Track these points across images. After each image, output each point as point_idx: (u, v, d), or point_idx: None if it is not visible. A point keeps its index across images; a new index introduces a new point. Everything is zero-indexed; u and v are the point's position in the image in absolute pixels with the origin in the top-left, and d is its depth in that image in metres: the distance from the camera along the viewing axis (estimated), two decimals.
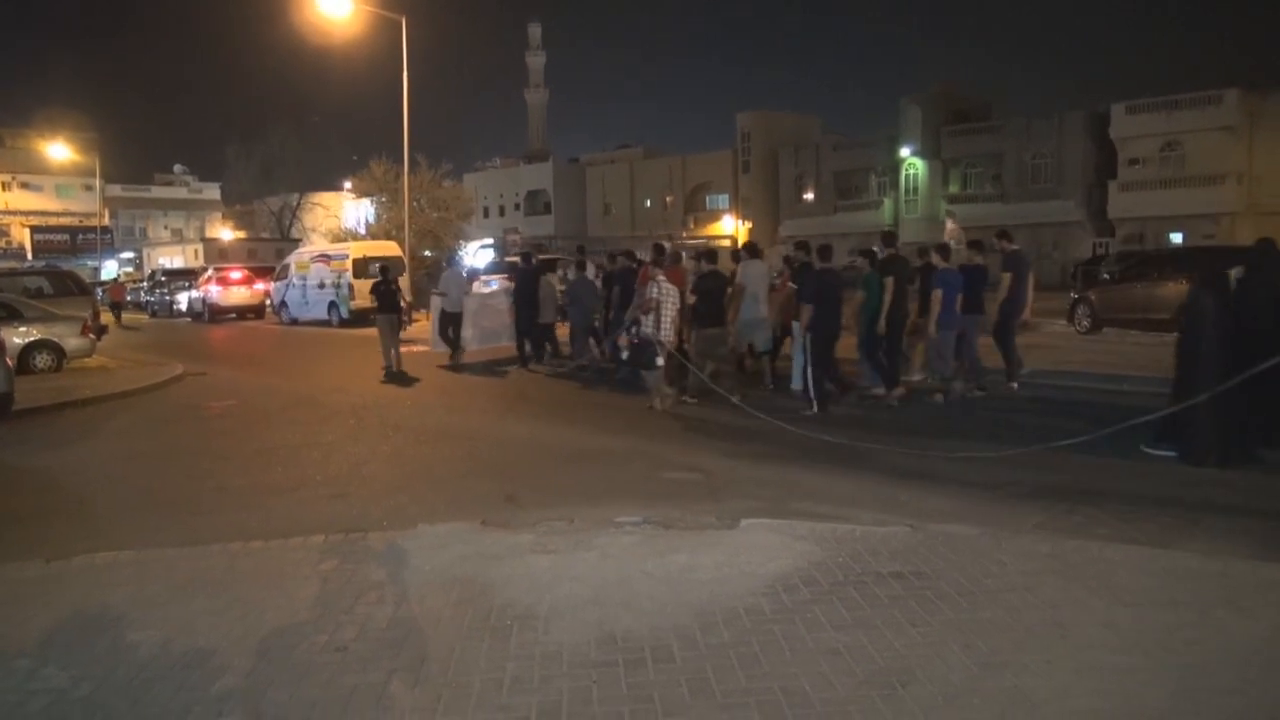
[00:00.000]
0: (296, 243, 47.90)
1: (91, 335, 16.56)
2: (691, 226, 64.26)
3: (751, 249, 12.56)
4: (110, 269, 59.93)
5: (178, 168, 79.63)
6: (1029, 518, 6.21)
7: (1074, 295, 19.28)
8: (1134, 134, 44.94)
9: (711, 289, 11.15)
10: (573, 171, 74.38)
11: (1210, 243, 34.60)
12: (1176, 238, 41.03)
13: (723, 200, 64.11)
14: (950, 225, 12.12)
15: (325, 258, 27.47)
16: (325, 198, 62.14)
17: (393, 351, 15.11)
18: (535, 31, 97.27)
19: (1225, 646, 4.02)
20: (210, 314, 31.13)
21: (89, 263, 56.13)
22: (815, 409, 10.15)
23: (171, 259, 47.60)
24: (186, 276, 36.46)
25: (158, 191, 75.77)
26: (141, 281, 44.03)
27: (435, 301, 16.29)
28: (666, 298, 10.72)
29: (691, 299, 11.27)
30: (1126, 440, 7.46)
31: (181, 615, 4.68)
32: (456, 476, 8.03)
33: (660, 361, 10.71)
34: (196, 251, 46.46)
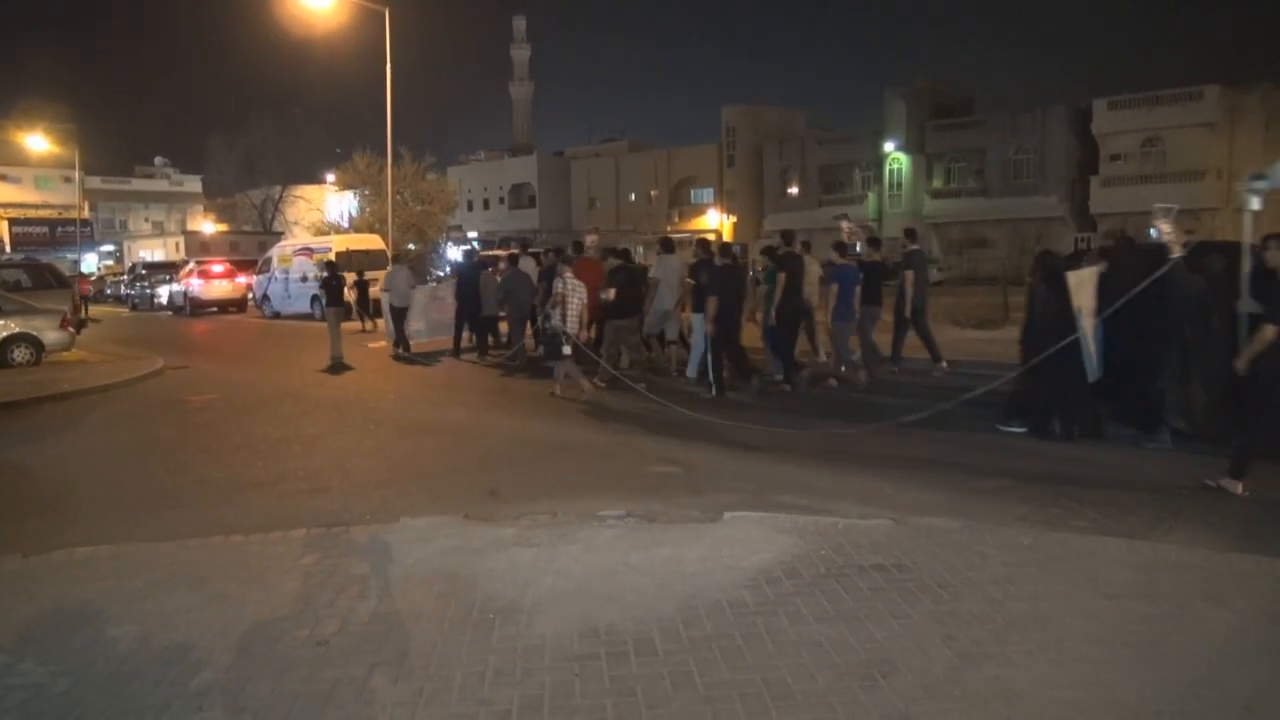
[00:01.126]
0: (279, 236, 47.60)
1: (70, 329, 16.40)
2: (676, 220, 64.23)
3: (666, 245, 13.37)
4: (90, 262, 59.40)
5: (158, 160, 79.00)
6: (1011, 510, 6.25)
7: None
8: (1116, 130, 45.27)
9: (623, 283, 12.03)
10: (558, 165, 74.21)
11: (1190, 238, 34.88)
12: (1156, 233, 41.30)
13: (708, 194, 64.14)
14: (846, 225, 12.87)
15: (308, 251, 27.31)
16: (308, 191, 61.78)
17: (338, 343, 15.82)
18: (520, 24, 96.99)
19: (1203, 637, 4.07)
20: (192, 308, 30.88)
21: (68, 256, 55.61)
22: (714, 392, 10.99)
23: (152, 252, 47.18)
24: (167, 270, 36.15)
25: (138, 184, 75.09)
26: (122, 275, 43.63)
27: (384, 298, 16.94)
28: (572, 293, 11.33)
29: (610, 293, 11.99)
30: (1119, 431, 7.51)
31: (161, 610, 4.64)
32: (439, 470, 8.01)
33: (567, 351, 11.34)
34: (178, 244, 46.06)
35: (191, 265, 33.20)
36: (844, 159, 57.06)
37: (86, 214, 62.27)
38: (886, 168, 53.74)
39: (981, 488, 6.87)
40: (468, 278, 15.95)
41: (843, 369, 12.00)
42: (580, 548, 5.41)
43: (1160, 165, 44.01)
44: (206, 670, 3.96)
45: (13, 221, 60.43)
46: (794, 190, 59.41)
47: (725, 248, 11.99)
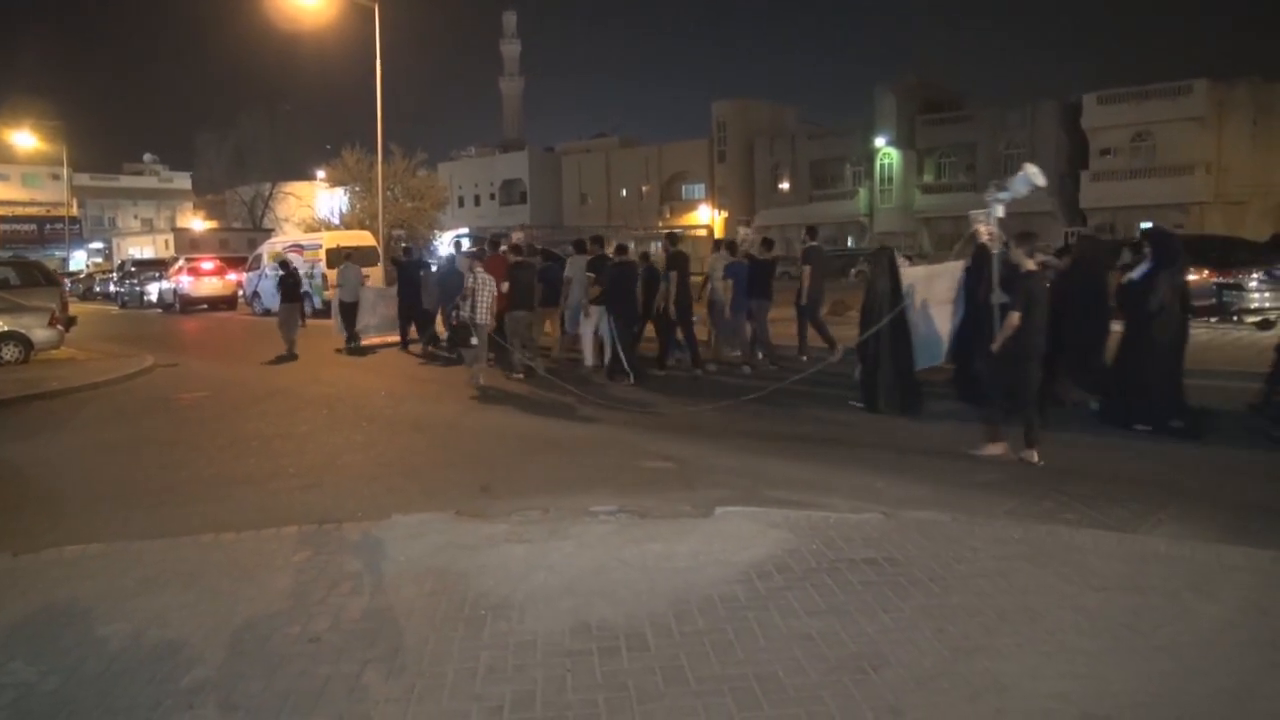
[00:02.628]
0: (269, 233, 47.41)
1: (59, 326, 16.32)
2: (668, 216, 64.22)
3: (579, 246, 14.09)
4: (79, 259, 59.09)
5: (147, 157, 78.64)
6: (1001, 504, 6.27)
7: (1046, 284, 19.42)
8: (1105, 124, 45.40)
9: (520, 278, 12.96)
10: (549, 161, 74.06)
11: (1180, 232, 35.03)
12: (1146, 227, 41.49)
13: (699, 190, 64.10)
14: (743, 231, 14.60)
15: (298, 248, 27.20)
16: (298, 187, 61.48)
17: (292, 337, 16.48)
18: (510, 19, 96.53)
19: (1191, 629, 4.09)
20: (182, 305, 30.74)
21: (57, 253, 55.33)
22: (633, 378, 12.00)
23: (142, 249, 47.05)
24: (157, 267, 35.98)
25: (127, 181, 74.74)
26: (111, 272, 43.41)
27: (335, 295, 17.94)
28: (483, 287, 12.24)
29: (504, 286, 12.88)
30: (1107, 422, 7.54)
31: (152, 608, 4.63)
32: (431, 466, 8.00)
33: (474, 341, 12.20)
34: (167, 241, 45.91)
35: (181, 262, 33.04)
36: (835, 154, 57.10)
37: (75, 211, 61.95)
38: (877, 163, 53.78)
39: (972, 481, 6.90)
40: (407, 274, 16.73)
41: (738, 354, 13.27)
42: (572, 543, 5.42)
43: (1150, 159, 44.17)
44: (198, 668, 3.96)
45: (0, 219, 60.03)
46: (785, 186, 59.42)
47: (621, 248, 13.60)
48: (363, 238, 27.76)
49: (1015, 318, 7.38)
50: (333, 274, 24.09)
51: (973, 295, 9.16)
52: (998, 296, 7.56)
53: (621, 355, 12.27)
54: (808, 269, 13.39)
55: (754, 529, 5.57)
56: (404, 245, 19.36)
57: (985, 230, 8.13)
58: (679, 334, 12.97)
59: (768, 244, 14.43)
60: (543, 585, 4.79)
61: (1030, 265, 7.64)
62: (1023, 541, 5.25)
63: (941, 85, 55.62)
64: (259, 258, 28.94)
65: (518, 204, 71.56)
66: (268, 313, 27.57)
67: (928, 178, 53.19)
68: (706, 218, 62.29)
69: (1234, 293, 14.23)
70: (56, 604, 4.75)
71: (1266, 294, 14.69)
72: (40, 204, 63.43)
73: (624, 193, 67.76)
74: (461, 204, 71.83)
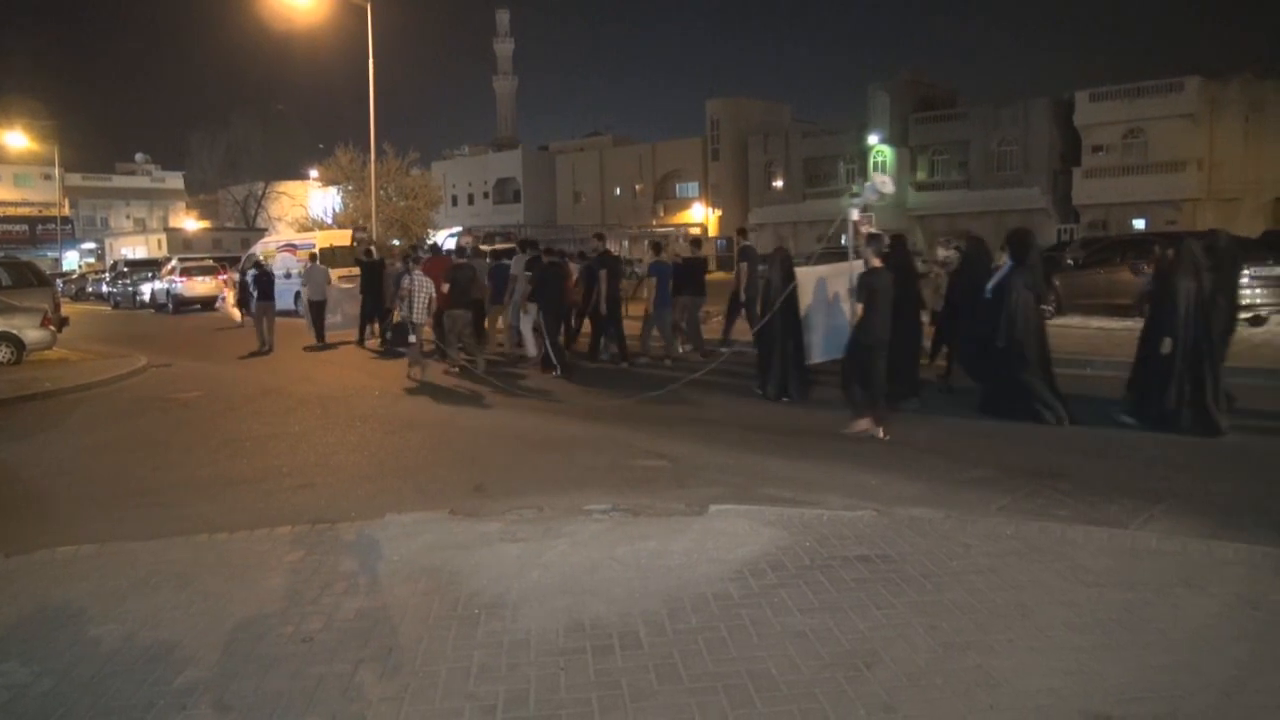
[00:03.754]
0: (262, 232, 47.31)
1: (52, 327, 16.27)
2: (662, 214, 64.21)
3: (522, 245, 15.26)
4: (71, 260, 58.90)
5: (139, 156, 78.34)
6: (993, 501, 6.29)
7: None
8: (1097, 121, 45.48)
9: (460, 279, 13.69)
10: (542, 159, 74.03)
11: (1172, 228, 35.12)
12: (1139, 224, 41.61)
13: (693, 188, 64.09)
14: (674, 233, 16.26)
15: (291, 247, 27.13)
16: (291, 187, 61.42)
17: (266, 333, 17.48)
18: (503, 18, 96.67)
19: (1182, 624, 4.11)
20: (175, 305, 30.67)
21: (49, 254, 55.12)
22: (560, 370, 12.89)
23: (134, 249, 46.86)
24: (150, 267, 35.87)
25: (119, 181, 74.46)
26: (103, 272, 43.28)
27: (303, 294, 19.25)
28: (419, 289, 12.97)
29: (445, 287, 13.64)
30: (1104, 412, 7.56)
31: (145, 609, 4.63)
32: (424, 466, 8.00)
33: (412, 339, 13.01)
34: (160, 241, 45.78)
35: (174, 262, 32.94)
36: (828, 152, 57.10)
37: (67, 211, 61.73)
38: (871, 160, 53.78)
39: (964, 478, 6.92)
40: (369, 274, 17.68)
41: (664, 348, 14.23)
42: (566, 542, 5.42)
43: (1142, 156, 44.25)
44: (191, 668, 3.95)
45: None
46: (779, 183, 59.43)
47: (550, 249, 15.24)
48: (348, 237, 27.68)
49: (859, 309, 8.46)
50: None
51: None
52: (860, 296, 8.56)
53: (549, 349, 13.07)
54: (743, 265, 13.99)
55: (747, 527, 5.58)
56: (366, 247, 20.44)
57: (864, 227, 9.00)
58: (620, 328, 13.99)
59: (696, 244, 15.66)
60: (536, 584, 4.79)
61: (876, 263, 8.52)
62: (1015, 538, 5.26)
63: (935, 83, 55.65)
64: (252, 257, 28.87)
65: (511, 203, 71.50)
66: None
67: (921, 175, 53.23)
68: (700, 216, 62.28)
69: None
70: (49, 605, 4.74)
71: (1258, 291, 14.72)
72: (32, 204, 63.22)
73: (618, 191, 67.74)
74: (455, 203, 71.74)
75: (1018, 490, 6.51)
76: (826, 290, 10.72)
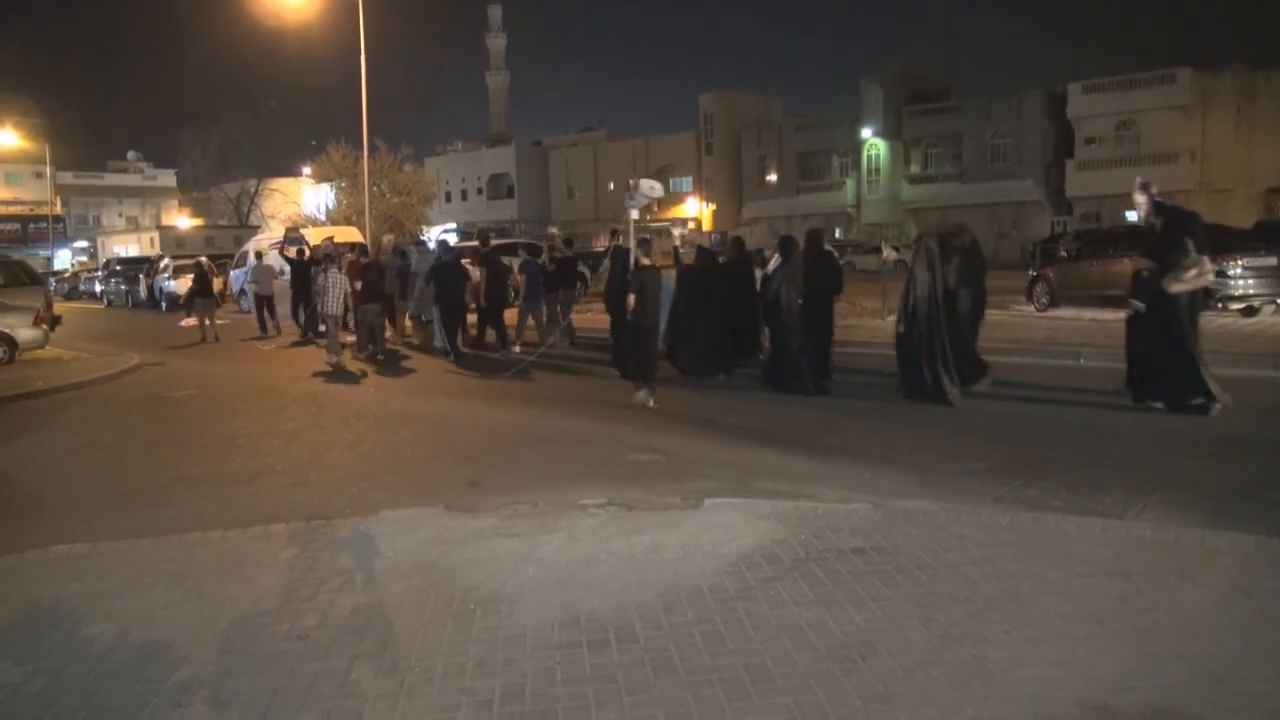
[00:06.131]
0: (255, 229, 47.16)
1: (44, 326, 16.21)
2: (655, 209, 64.12)
3: (420, 245, 17.97)
4: (64, 258, 58.69)
5: (131, 154, 78.02)
6: (988, 492, 6.30)
7: (1032, 273, 19.51)
8: (1090, 113, 45.56)
9: (369, 277, 15.23)
10: (535, 155, 73.91)
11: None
12: (1132, 216, 41.66)
13: (686, 183, 64.05)
14: (552, 230, 19.97)
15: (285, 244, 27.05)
16: (284, 183, 61.18)
17: (209, 327, 19.25)
18: (495, 13, 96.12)
19: (1176, 613, 4.12)
20: (168, 303, 30.56)
21: (41, 252, 54.90)
22: (453, 357, 14.47)
23: (127, 247, 46.65)
24: (142, 265, 35.75)
25: (111, 179, 74.14)
26: (96, 271, 43.12)
27: (250, 289, 21.27)
28: (333, 285, 14.77)
29: (357, 283, 15.16)
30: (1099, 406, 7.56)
31: (138, 607, 4.61)
32: (418, 462, 7.99)
33: (322, 328, 14.74)
34: (153, 239, 45.54)
35: (167, 260, 32.82)
36: (822, 146, 57.12)
37: (59, 210, 61.46)
38: (864, 154, 53.83)
39: (959, 470, 6.92)
40: (298, 272, 19.16)
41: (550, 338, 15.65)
42: (561, 537, 5.42)
43: (1135, 148, 44.35)
44: (185, 666, 3.94)
45: None
46: (772, 178, 59.44)
47: (443, 245, 17.68)
48: (350, 234, 27.65)
49: (630, 300, 9.92)
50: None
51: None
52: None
53: (444, 338, 14.87)
54: (607, 263, 14.88)
55: (742, 520, 5.58)
56: (297, 247, 21.11)
57: (678, 234, 10.39)
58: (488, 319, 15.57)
59: (568, 243, 17.48)
60: (532, 579, 4.78)
61: (645, 261, 10.21)
62: (1010, 529, 5.27)
63: (928, 76, 55.66)
64: (245, 255, 28.78)
65: (505, 198, 71.41)
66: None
67: (914, 168, 53.27)
68: (694, 210, 62.24)
69: (1218, 280, 14.27)
70: (42, 604, 4.72)
71: (1251, 281, 14.76)
72: (24, 203, 62.90)
73: (611, 186, 67.63)
74: (449, 199, 71.62)
75: (1012, 482, 6.52)
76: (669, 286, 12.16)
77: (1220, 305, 14.81)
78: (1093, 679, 3.56)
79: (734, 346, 12.08)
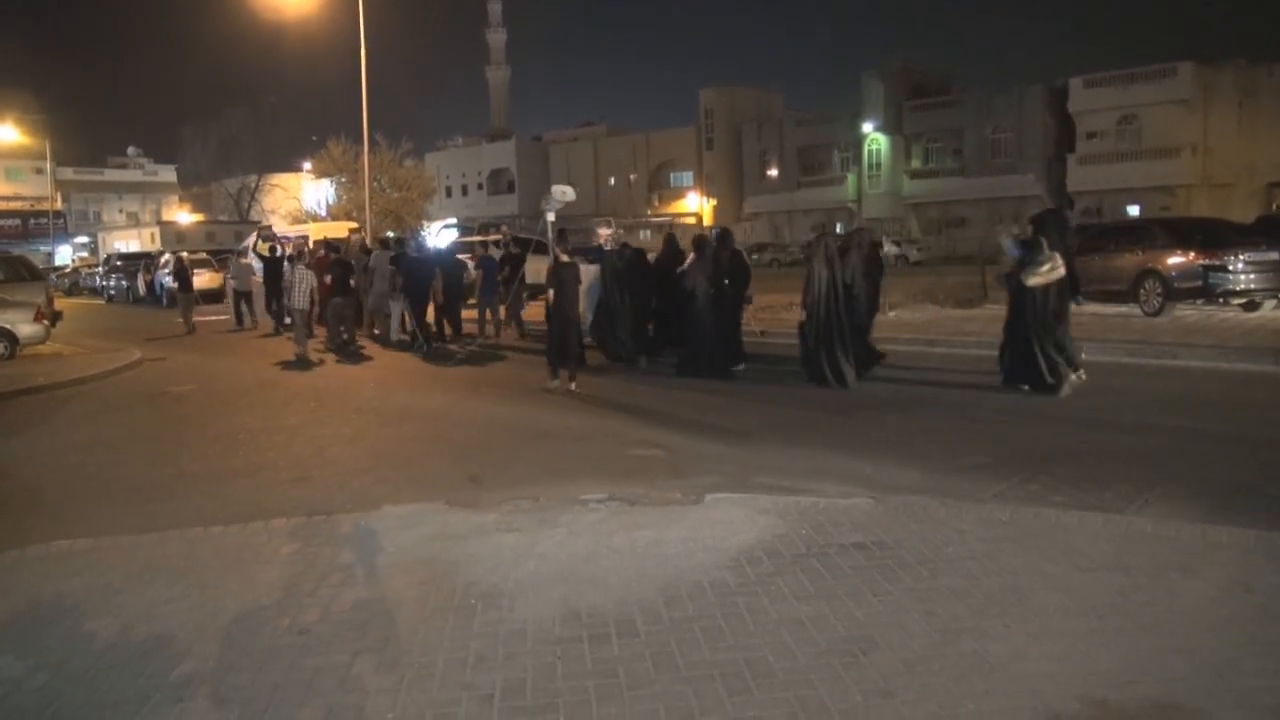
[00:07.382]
0: (255, 225, 47.14)
1: (45, 322, 16.21)
2: (656, 204, 64.11)
3: (384, 244, 18.21)
4: (64, 254, 58.67)
5: (131, 150, 77.84)
6: (989, 487, 6.30)
7: None
8: (1092, 108, 45.52)
9: (338, 273, 16.00)
10: (536, 150, 73.85)
11: (1167, 214, 35.15)
12: (1134, 210, 41.66)
13: (687, 178, 64.05)
14: (505, 229, 21.49)
15: (285, 239, 27.06)
16: (284, 179, 61.12)
17: (191, 319, 20.44)
18: (495, 8, 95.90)
19: (1176, 608, 4.12)
20: (169, 299, 30.54)
21: (41, 248, 54.89)
22: (426, 349, 15.09)
23: (127, 243, 46.60)
24: (143, 260, 35.71)
25: (111, 174, 74.00)
26: (97, 266, 43.10)
27: (229, 284, 22.42)
28: (300, 280, 15.38)
29: (327, 279, 15.99)
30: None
31: (140, 602, 4.62)
32: (420, 457, 7.99)
33: (288, 321, 15.82)
34: (153, 235, 45.51)
35: (168, 256, 32.80)
36: (823, 140, 57.08)
37: (59, 205, 61.40)
38: (865, 148, 53.77)
39: (959, 465, 6.92)
40: (270, 271, 19.86)
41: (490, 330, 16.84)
42: (562, 532, 5.42)
43: (1136, 142, 44.32)
44: (187, 661, 3.94)
45: None
46: (773, 172, 59.40)
47: (401, 242, 18.81)
48: (340, 230, 27.63)
49: (550, 294, 10.75)
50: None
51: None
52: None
53: (418, 330, 15.46)
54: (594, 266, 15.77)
55: (743, 515, 5.59)
56: (270, 243, 21.82)
57: (605, 233, 11.39)
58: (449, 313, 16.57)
59: (520, 243, 18.63)
60: (533, 574, 4.79)
61: (565, 258, 10.99)
62: (1010, 524, 5.27)
63: (929, 70, 55.61)
64: (246, 250, 28.77)
65: (505, 193, 71.36)
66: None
67: (915, 163, 53.25)
68: (695, 205, 62.17)
69: (1220, 275, 14.24)
70: (43, 600, 4.72)
71: (1252, 276, 14.73)
72: (24, 199, 62.82)
73: (612, 181, 67.66)
74: (449, 194, 71.61)
75: (1013, 476, 6.52)
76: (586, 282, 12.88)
77: (1222, 300, 14.80)
78: (1093, 673, 3.56)
79: (661, 335, 13.05)
